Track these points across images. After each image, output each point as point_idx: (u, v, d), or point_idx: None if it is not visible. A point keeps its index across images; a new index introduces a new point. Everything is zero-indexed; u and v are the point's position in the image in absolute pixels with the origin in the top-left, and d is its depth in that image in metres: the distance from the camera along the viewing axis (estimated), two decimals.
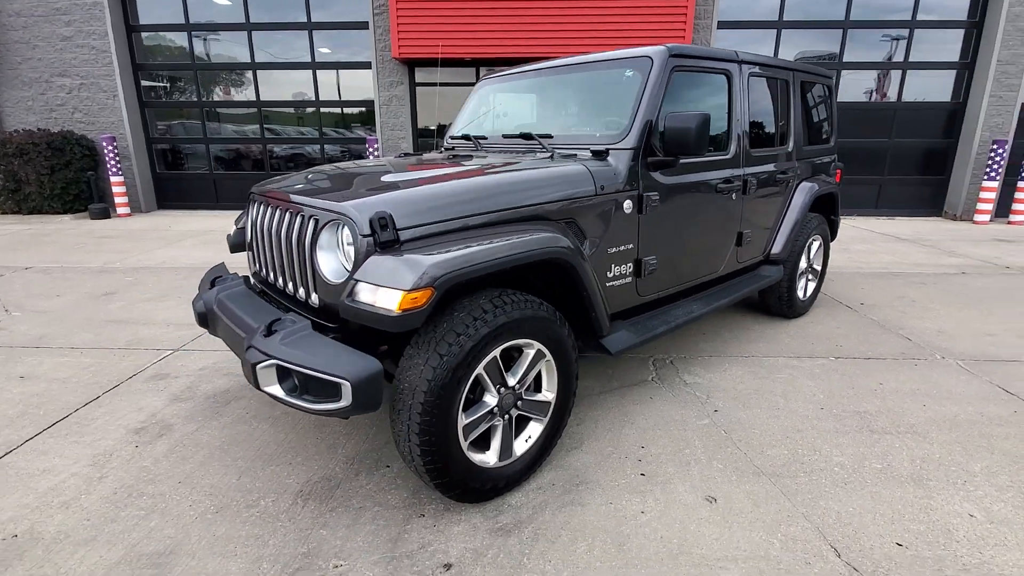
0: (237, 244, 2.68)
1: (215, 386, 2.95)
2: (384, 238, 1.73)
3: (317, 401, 1.69)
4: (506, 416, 2.00)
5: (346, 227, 1.79)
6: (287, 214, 2.08)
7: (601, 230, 2.37)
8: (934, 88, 8.90)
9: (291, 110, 9.27)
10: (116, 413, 2.66)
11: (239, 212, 2.73)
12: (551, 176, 2.20)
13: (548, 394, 2.13)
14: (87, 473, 2.19)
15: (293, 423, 2.57)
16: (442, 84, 8.81)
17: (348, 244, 1.80)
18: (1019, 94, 8.44)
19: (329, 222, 1.85)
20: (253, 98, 9.10)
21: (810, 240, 3.84)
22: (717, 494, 2.07)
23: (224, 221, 8.44)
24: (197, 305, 2.36)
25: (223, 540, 1.83)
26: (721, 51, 2.90)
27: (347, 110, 9.23)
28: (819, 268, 4.17)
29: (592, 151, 2.49)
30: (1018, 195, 8.50)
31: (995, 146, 8.36)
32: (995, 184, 8.46)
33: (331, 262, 1.87)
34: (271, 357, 1.72)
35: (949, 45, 8.71)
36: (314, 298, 1.97)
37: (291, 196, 2.08)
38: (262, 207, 2.31)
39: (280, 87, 9.09)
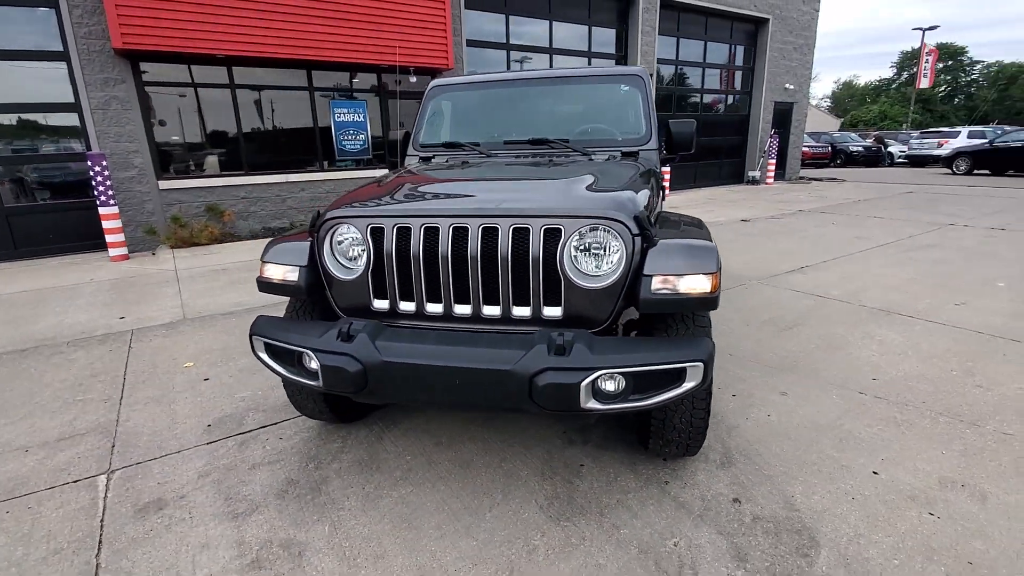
0: (312, 284, 2.11)
1: (265, 483, 2.21)
2: (652, 234, 1.88)
3: (650, 396, 1.74)
4: None
5: (609, 231, 1.84)
6: (480, 231, 1.88)
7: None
8: None
9: None
10: (177, 566, 1.78)
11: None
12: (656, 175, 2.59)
13: None
14: None
15: (432, 475, 2.25)
16: (197, 85, 7.16)
17: (618, 246, 1.84)
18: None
19: (580, 228, 1.84)
20: None
21: None
22: (780, 389, 2.91)
23: None
24: (342, 364, 1.83)
25: None
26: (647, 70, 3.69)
27: (26, 116, 6.50)
28: None
29: (623, 152, 2.94)
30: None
31: None
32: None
33: (587, 267, 1.86)
34: (597, 369, 1.68)
35: None
36: (550, 312, 1.89)
37: (492, 211, 1.89)
38: (398, 231, 1.95)
39: None
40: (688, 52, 13.07)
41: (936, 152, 19.97)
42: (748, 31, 14.23)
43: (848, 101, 59.55)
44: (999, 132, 18.91)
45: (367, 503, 2.08)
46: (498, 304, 1.93)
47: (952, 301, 4.27)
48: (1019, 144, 15.64)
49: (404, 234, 1.96)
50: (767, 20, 13.95)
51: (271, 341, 2.00)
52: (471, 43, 9.40)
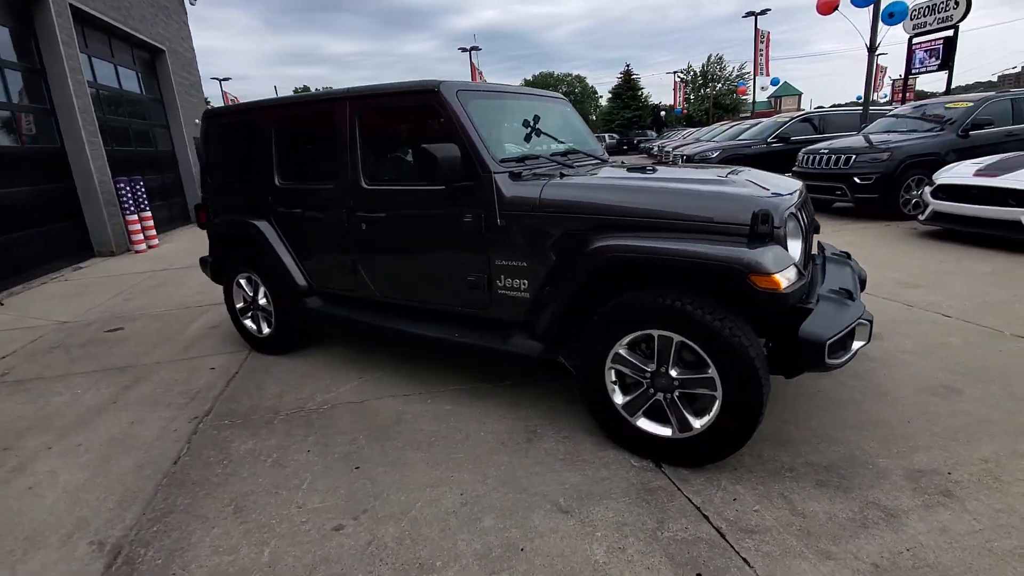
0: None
1: (765, 526, 2.05)
2: None
3: None
4: None
5: None
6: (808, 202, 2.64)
7: None
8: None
9: None
10: None
11: None
12: None
13: None
14: None
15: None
16: None
17: None
18: (100, 140, 9.34)
19: None
20: None
21: None
22: None
23: None
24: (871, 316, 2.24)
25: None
26: None
27: None
28: None
29: (600, 159, 3.63)
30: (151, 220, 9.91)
31: (120, 184, 9.26)
32: (136, 216, 9.51)
33: None
34: None
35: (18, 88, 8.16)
36: None
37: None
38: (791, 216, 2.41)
39: None
40: (103, 75, 10.55)
41: None
42: (146, 60, 12.74)
43: None
44: None
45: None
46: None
47: None
48: None
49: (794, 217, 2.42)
50: (164, 51, 12.97)
51: (843, 334, 2.05)
52: None
